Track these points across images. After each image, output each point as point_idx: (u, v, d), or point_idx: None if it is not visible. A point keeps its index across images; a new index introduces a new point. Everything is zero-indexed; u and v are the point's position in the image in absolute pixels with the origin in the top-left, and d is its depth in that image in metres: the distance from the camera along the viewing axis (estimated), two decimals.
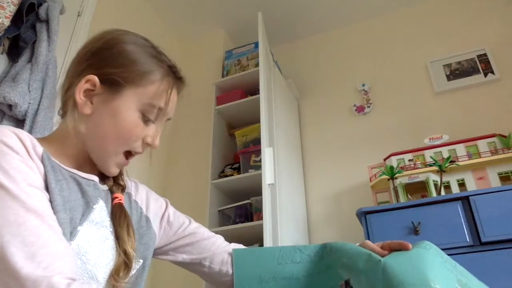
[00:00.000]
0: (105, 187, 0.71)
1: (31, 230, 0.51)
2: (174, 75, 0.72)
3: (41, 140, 0.66)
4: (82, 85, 0.66)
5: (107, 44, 0.68)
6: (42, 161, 0.59)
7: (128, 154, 0.70)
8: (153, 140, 0.70)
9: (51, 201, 0.57)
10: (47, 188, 0.58)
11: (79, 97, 0.65)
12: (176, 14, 2.66)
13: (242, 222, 1.97)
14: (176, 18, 2.69)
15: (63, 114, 0.70)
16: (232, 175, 2.11)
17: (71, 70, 0.70)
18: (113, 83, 0.66)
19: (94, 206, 0.64)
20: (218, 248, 0.80)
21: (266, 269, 0.76)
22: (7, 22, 1.35)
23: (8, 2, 1.36)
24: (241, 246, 0.84)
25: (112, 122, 0.65)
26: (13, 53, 1.48)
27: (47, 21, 1.52)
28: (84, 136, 0.67)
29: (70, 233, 0.57)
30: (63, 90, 0.70)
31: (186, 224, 0.82)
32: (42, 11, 1.51)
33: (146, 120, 0.68)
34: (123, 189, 0.73)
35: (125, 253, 0.62)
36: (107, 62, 0.67)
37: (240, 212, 2.04)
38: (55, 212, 0.56)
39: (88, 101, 0.66)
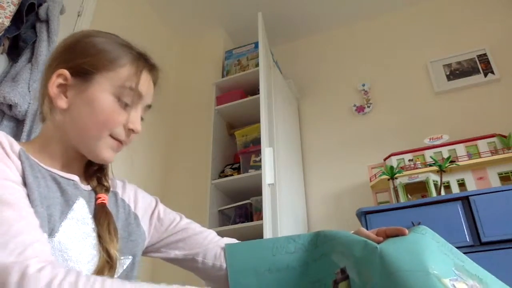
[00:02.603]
0: (88, 187, 0.71)
1: (3, 220, 0.50)
2: (145, 61, 0.73)
3: (22, 143, 0.67)
4: (54, 80, 0.67)
5: (76, 39, 0.70)
6: (20, 158, 0.60)
7: (118, 141, 0.70)
8: (134, 125, 0.69)
9: (28, 195, 0.57)
10: (24, 184, 0.58)
11: (52, 91, 0.67)
12: (176, 14, 2.66)
13: (242, 222, 1.97)
14: (176, 18, 2.69)
15: (43, 118, 0.71)
16: (232, 175, 2.11)
17: (45, 72, 0.71)
18: (83, 72, 0.67)
19: (74, 205, 0.64)
20: (210, 243, 0.80)
21: (260, 261, 0.75)
22: (7, 22, 1.35)
23: (8, 2, 1.36)
24: (233, 240, 0.83)
25: (89, 110, 0.66)
26: (13, 53, 1.48)
27: (47, 21, 1.52)
28: (65, 130, 0.68)
29: (52, 230, 0.58)
30: (39, 94, 0.71)
31: (177, 220, 0.82)
32: (42, 11, 1.51)
33: (122, 105, 0.68)
34: (106, 189, 0.73)
35: (107, 253, 0.62)
36: (76, 55, 0.68)
37: (240, 212, 2.04)
38: (32, 206, 0.56)
39: (62, 95, 0.67)
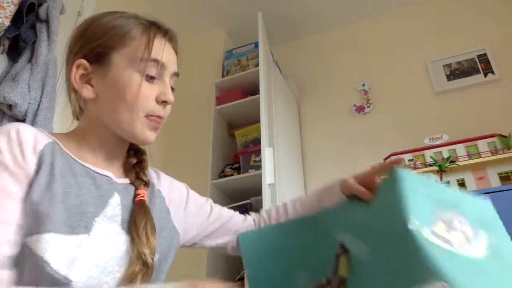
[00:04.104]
0: (125, 181, 0.69)
1: None
2: (157, 28, 0.70)
3: (62, 135, 0.66)
4: (75, 72, 0.66)
5: (84, 26, 0.69)
6: (40, 157, 0.58)
7: (156, 117, 0.68)
8: (166, 96, 0.67)
9: (52, 192, 0.56)
10: (38, 183, 0.56)
11: (75, 83, 0.66)
12: (175, 14, 2.66)
13: None
14: (176, 18, 2.68)
15: (75, 114, 0.70)
16: (232, 175, 2.11)
17: (65, 67, 0.71)
18: (99, 56, 0.66)
19: (110, 200, 0.63)
20: (240, 229, 0.84)
21: (273, 246, 0.80)
22: (7, 22, 1.35)
23: (8, 2, 1.36)
24: (250, 220, 0.88)
25: (116, 92, 0.65)
26: (13, 53, 1.48)
27: (47, 21, 1.52)
28: (101, 119, 0.67)
29: (86, 228, 0.57)
30: (67, 91, 0.71)
31: (208, 211, 0.83)
32: (42, 11, 1.51)
33: (148, 79, 0.66)
34: (146, 183, 0.71)
35: (142, 256, 0.59)
36: (87, 40, 0.67)
37: (240, 212, 2.04)
38: (60, 204, 0.55)
39: (87, 85, 0.66)
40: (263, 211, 0.90)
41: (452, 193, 0.66)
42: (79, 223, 0.56)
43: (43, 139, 0.60)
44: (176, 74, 0.72)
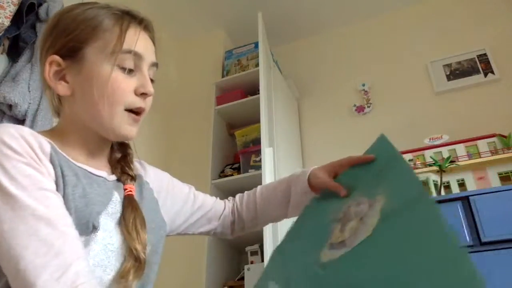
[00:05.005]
0: (113, 177, 0.68)
1: (43, 240, 0.49)
2: (131, 17, 0.67)
3: (45, 133, 0.63)
4: (48, 70, 0.63)
5: (54, 21, 0.66)
6: (51, 161, 0.57)
7: (135, 112, 0.66)
8: (145, 88, 0.65)
9: (66, 195, 0.55)
10: (57, 186, 0.56)
11: (50, 80, 0.63)
12: (175, 14, 2.66)
13: None
14: (176, 18, 2.69)
15: (55, 112, 0.69)
16: (232, 175, 2.11)
17: (40, 65, 0.68)
18: (72, 51, 0.63)
19: (113, 198, 0.63)
20: (221, 216, 0.88)
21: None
22: (7, 22, 1.35)
23: (8, 2, 1.36)
24: (228, 205, 0.91)
25: (93, 88, 0.62)
26: (13, 53, 1.48)
27: (47, 21, 1.52)
28: (79, 117, 0.65)
29: (93, 226, 0.56)
30: (44, 91, 0.70)
31: (192, 200, 0.85)
32: (42, 11, 1.51)
33: (125, 71, 0.64)
34: (132, 178, 0.69)
35: (134, 252, 0.59)
36: (59, 35, 0.64)
37: None
38: (68, 209, 0.54)
39: (62, 81, 0.64)
40: (237, 196, 0.94)
41: (353, 173, 0.70)
42: (86, 224, 0.56)
43: (41, 139, 0.58)
44: (155, 65, 0.69)
